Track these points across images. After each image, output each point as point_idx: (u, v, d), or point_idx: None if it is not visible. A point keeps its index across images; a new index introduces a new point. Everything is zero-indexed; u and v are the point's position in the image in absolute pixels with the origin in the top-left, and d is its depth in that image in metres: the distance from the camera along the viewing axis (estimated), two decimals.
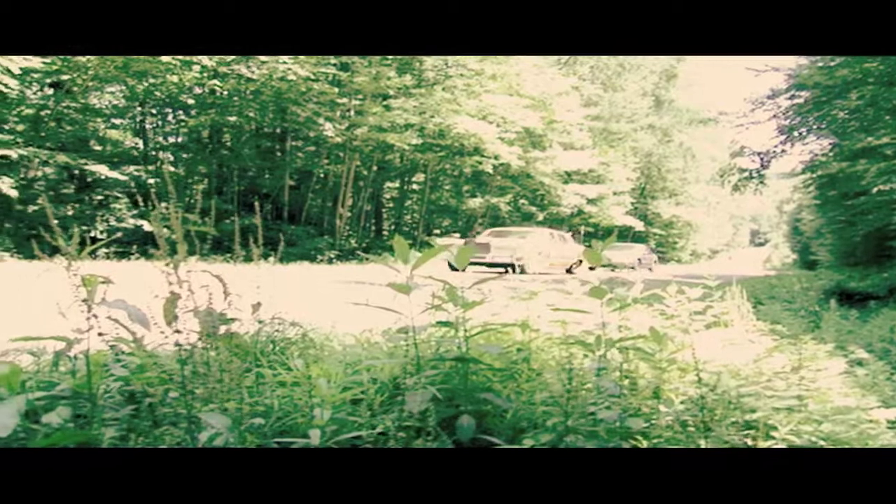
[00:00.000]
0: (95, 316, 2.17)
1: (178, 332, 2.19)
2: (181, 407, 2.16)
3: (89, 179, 25.22)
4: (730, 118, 22.46)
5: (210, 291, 2.35)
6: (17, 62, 19.65)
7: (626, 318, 3.69)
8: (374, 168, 33.54)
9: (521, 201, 41.83)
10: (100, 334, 2.19)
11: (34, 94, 24.38)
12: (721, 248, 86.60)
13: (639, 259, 34.57)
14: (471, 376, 2.79)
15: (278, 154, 31.06)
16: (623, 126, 51.26)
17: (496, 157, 32.47)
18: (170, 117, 31.33)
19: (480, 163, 32.66)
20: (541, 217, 41.78)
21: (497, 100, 31.16)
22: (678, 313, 4.35)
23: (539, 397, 2.75)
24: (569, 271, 25.25)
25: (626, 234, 50.94)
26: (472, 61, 31.16)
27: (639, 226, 50.03)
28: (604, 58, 50.76)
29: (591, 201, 43.13)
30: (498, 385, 2.91)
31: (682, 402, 2.92)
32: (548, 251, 23.94)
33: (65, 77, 23.97)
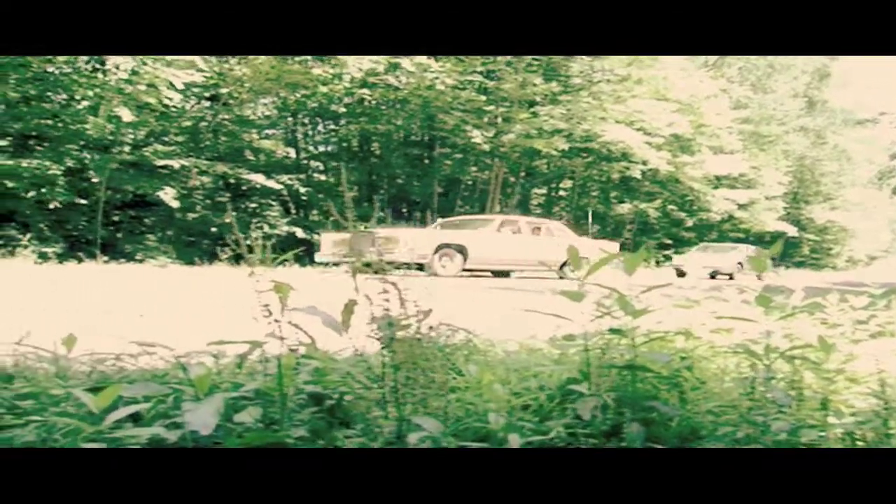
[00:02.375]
0: (277, 321, 2.27)
1: (371, 336, 2.28)
2: (372, 409, 2.24)
3: (244, 188, 26.04)
4: (890, 118, 21.61)
5: (386, 298, 2.42)
6: (180, 77, 20.50)
7: (789, 327, 3.61)
8: (522, 174, 33.60)
9: (670, 207, 41.10)
10: (282, 338, 2.29)
11: (192, 107, 25.31)
12: (879, 255, 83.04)
13: (739, 263, 29.15)
14: (636, 384, 2.79)
15: (426, 161, 31.42)
16: (774, 129, 49.59)
17: (644, 163, 32.07)
18: (320, 127, 32.09)
19: (628, 168, 32.33)
20: (690, 223, 40.98)
21: (644, 104, 30.78)
22: (840, 322, 4.23)
23: (706, 406, 2.73)
24: (562, 271, 20.28)
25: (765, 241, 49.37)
26: (618, 66, 30.91)
27: (792, 231, 48.33)
28: (752, 58, 49.33)
29: (741, 206, 41.92)
30: (664, 393, 2.90)
31: (852, 414, 2.85)
32: (497, 248, 19.73)
33: (222, 90, 24.85)
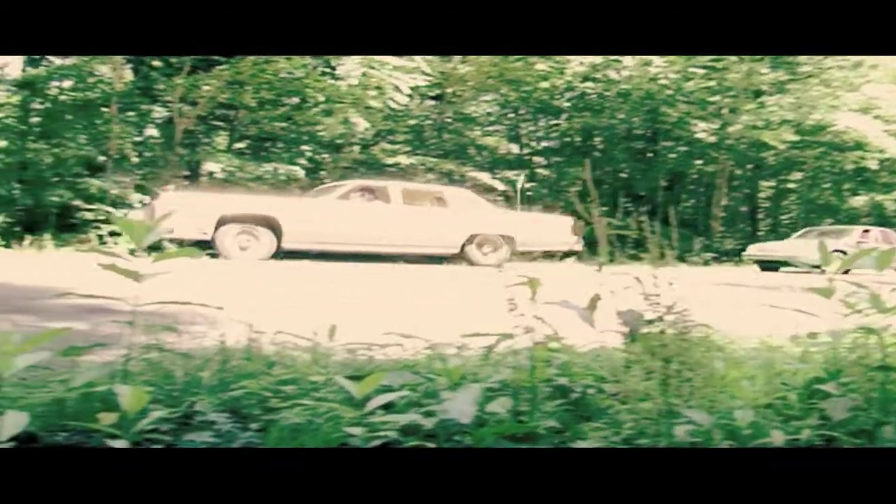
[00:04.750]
0: (523, 314, 2.31)
1: (616, 330, 2.29)
2: (618, 403, 2.25)
3: (467, 184, 26.48)
4: None
5: (630, 292, 2.42)
6: (405, 81, 21.08)
7: None
8: (749, 167, 32.58)
9: None
10: (527, 331, 2.33)
11: (417, 106, 25.92)
12: None
13: (841, 251, 20.77)
14: (889, 385, 2.67)
15: (650, 155, 30.98)
16: None
17: (881, 152, 30.34)
18: (542, 122, 32.19)
19: (863, 158, 30.66)
20: None
21: (881, 90, 29.07)
22: None
23: None
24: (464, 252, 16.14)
25: None
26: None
27: None
28: None
29: None
30: None
31: None
32: (341, 223, 14.81)
33: (446, 90, 25.35)
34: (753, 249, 23.37)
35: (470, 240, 16.19)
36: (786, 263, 21.66)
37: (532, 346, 2.27)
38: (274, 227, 14.22)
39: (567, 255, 16.32)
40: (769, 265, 21.95)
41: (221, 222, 13.87)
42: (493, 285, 2.47)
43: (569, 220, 17.61)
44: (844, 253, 20.05)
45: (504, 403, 2.12)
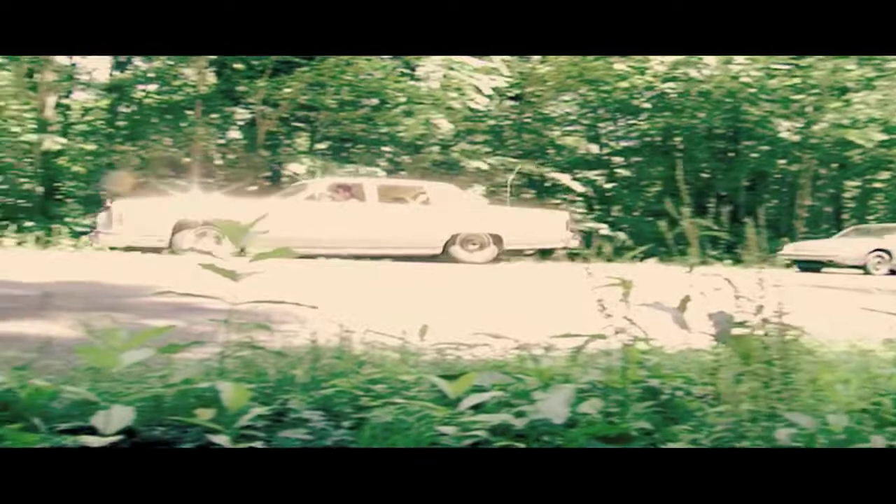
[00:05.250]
0: (612, 315, 2.31)
1: (707, 332, 2.27)
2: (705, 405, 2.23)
3: (547, 185, 26.38)
4: None
5: (720, 294, 2.39)
6: (485, 82, 21.12)
7: None
8: (834, 166, 31.89)
9: None
10: (617, 332, 2.33)
11: (496, 107, 25.92)
12: None
13: (885, 251, 20.04)
14: None
15: (731, 154, 30.52)
16: None
17: None
18: (621, 122, 31.95)
19: None
20: None
21: None
22: None
23: None
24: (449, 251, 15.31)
25: None
26: None
27: None
28: None
29: None
30: None
31: None
32: (307, 224, 14.05)
33: (525, 90, 25.32)
34: (790, 249, 21.82)
35: (453, 239, 15.42)
36: (825, 264, 20.71)
37: (622, 346, 2.26)
38: None
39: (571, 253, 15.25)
40: (809, 266, 20.71)
41: (178, 228, 13.52)
42: (580, 285, 2.47)
43: (563, 216, 16.87)
44: (888, 253, 20.09)
45: (595, 404, 2.12)
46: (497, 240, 15.67)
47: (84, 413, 2.07)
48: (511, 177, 19.90)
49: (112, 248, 13.60)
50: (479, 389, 2.14)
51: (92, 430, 1.93)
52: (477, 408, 2.12)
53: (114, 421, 1.79)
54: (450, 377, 2.13)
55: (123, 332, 1.99)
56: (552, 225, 16.41)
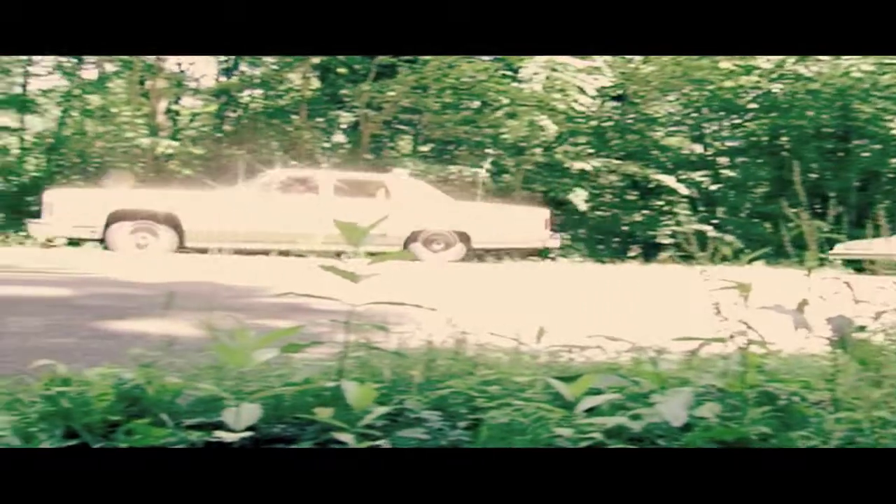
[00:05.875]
0: (727, 318, 2.28)
1: (825, 336, 2.23)
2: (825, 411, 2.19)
3: (651, 186, 26.09)
4: None
5: (839, 298, 2.35)
6: (589, 83, 21.01)
7: None
8: None
9: None
10: (732, 336, 2.30)
11: (599, 107, 25.74)
12: None
13: None
14: None
15: (841, 154, 29.71)
16: None
17: None
18: (726, 122, 31.38)
19: None
20: None
21: None
22: None
23: None
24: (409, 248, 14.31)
25: None
26: None
27: None
28: None
29: None
30: None
31: None
32: (253, 218, 13.56)
33: (628, 91, 25.09)
34: (841, 249, 20.59)
35: (414, 236, 14.55)
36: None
37: (739, 350, 2.24)
38: (174, 225, 13.31)
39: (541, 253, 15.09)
40: (861, 267, 19.60)
41: (112, 219, 13.09)
42: (693, 287, 2.45)
43: (542, 214, 16.02)
44: None
45: (712, 408, 2.10)
46: (464, 238, 14.90)
47: (207, 410, 2.14)
48: (482, 171, 19.17)
49: (48, 241, 13.55)
50: (595, 392, 2.14)
51: (216, 426, 2.00)
52: (591, 410, 2.12)
53: (243, 417, 1.85)
54: (567, 379, 2.14)
55: (252, 332, 2.05)
56: (528, 223, 15.63)
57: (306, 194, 14.55)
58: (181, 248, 13.27)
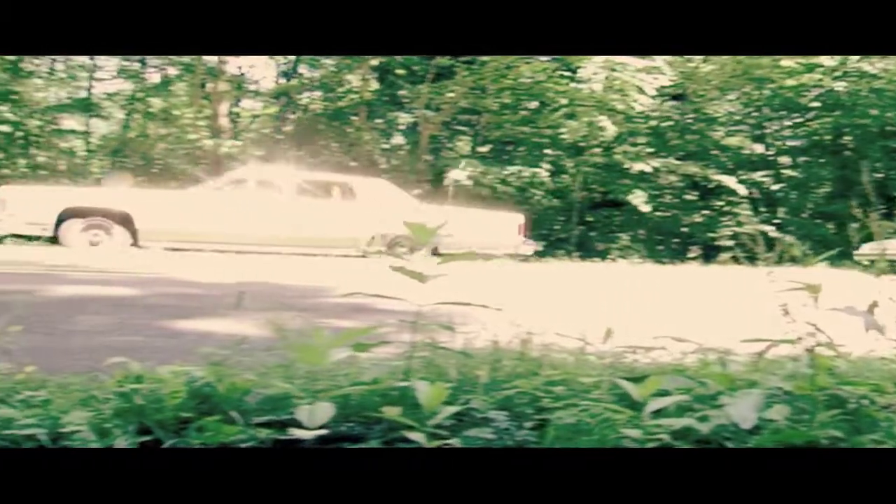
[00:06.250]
0: (795, 320, 2.26)
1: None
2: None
3: (711, 186, 25.83)
4: None
5: None
6: (648, 82, 20.88)
7: None
8: None
9: None
10: (802, 337, 2.28)
11: (658, 107, 25.55)
12: None
13: None
14: None
15: None
16: None
17: None
18: (787, 121, 30.96)
19: None
20: None
21: None
22: None
23: None
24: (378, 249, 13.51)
25: None
26: None
27: None
28: None
29: None
30: None
31: None
32: (210, 217, 13.19)
33: (688, 90, 24.88)
34: (870, 248, 19.63)
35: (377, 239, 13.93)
36: None
37: (809, 352, 2.22)
38: (127, 223, 13.00)
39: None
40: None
41: (63, 217, 12.82)
42: (757, 288, 2.43)
43: (515, 218, 15.29)
44: None
45: (781, 411, 2.08)
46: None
47: (276, 408, 2.17)
48: (453, 173, 18.57)
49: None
50: (663, 393, 2.13)
51: (284, 424, 2.03)
52: (658, 412, 2.11)
53: (317, 416, 1.88)
54: (634, 380, 2.13)
55: (327, 332, 2.08)
56: (499, 228, 14.95)
57: (268, 194, 14.15)
58: (134, 246, 13.00)
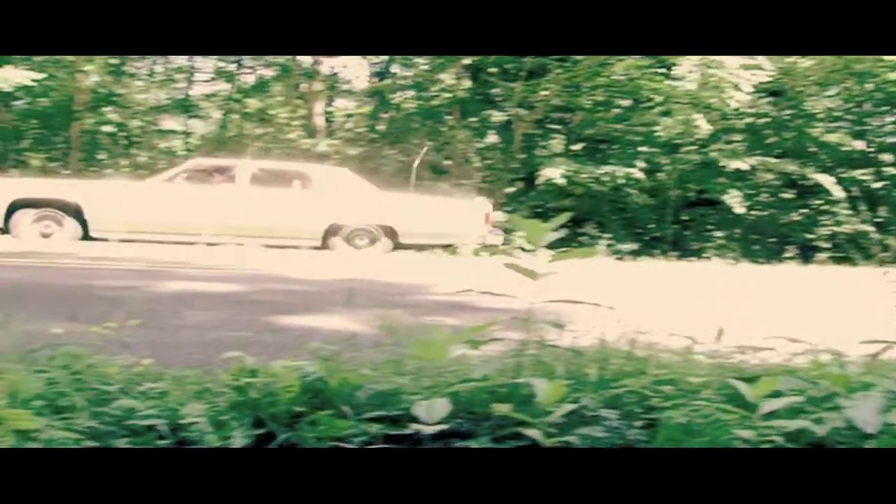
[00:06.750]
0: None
1: None
2: None
3: (808, 184, 25.28)
4: None
5: None
6: (746, 79, 20.53)
7: None
8: None
9: None
10: None
11: (754, 103, 25.10)
12: None
13: None
14: None
15: None
16: None
17: None
18: (889, 117, 30.12)
19: None
20: None
21: None
22: None
23: None
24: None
25: None
26: None
27: None
28: None
29: None
30: None
31: None
32: (160, 208, 12.99)
33: (786, 86, 24.40)
34: None
35: (334, 230, 13.51)
36: None
37: None
38: (77, 214, 12.84)
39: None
40: None
41: (13, 208, 12.70)
42: (864, 289, 2.39)
43: (481, 206, 14.52)
44: None
45: None
46: (390, 232, 13.68)
47: (386, 403, 2.21)
48: (416, 159, 17.44)
49: None
50: (776, 394, 2.11)
51: (394, 420, 2.07)
52: (770, 413, 2.09)
53: (436, 411, 1.91)
54: (746, 380, 2.11)
55: (447, 330, 2.12)
56: (463, 217, 14.14)
57: (222, 184, 13.88)
58: (86, 237, 12.84)
